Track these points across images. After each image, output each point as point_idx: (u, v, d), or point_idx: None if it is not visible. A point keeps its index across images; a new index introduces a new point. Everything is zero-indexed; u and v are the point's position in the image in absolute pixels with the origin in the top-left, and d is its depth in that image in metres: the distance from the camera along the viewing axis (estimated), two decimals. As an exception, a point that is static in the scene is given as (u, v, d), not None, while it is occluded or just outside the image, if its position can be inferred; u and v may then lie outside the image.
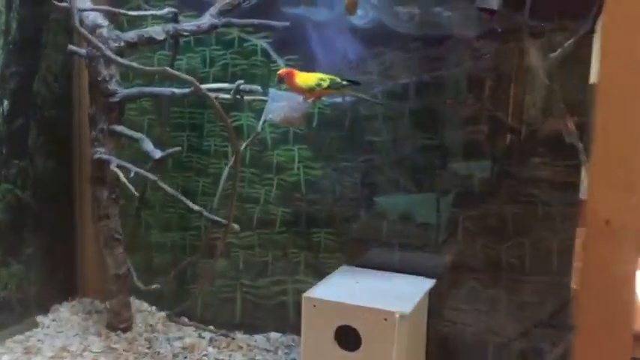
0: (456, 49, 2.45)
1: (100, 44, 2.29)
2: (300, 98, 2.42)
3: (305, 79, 2.39)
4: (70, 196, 3.04)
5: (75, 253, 3.11)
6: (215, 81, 2.67)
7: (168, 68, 2.13)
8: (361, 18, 2.67)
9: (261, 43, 2.70)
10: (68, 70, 2.98)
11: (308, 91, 2.38)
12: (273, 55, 2.69)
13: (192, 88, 2.24)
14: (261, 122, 2.55)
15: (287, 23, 2.62)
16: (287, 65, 2.59)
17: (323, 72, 2.44)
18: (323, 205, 2.66)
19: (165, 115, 2.83)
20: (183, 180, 2.87)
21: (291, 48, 2.63)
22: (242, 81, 2.46)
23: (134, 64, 2.28)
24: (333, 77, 2.40)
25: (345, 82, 2.40)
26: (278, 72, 2.40)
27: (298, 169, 2.68)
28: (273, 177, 2.75)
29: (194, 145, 2.84)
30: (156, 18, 2.72)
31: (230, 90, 2.47)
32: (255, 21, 2.64)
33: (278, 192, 2.73)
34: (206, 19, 2.52)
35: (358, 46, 2.57)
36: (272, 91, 2.45)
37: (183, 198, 2.44)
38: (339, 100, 2.58)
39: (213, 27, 2.63)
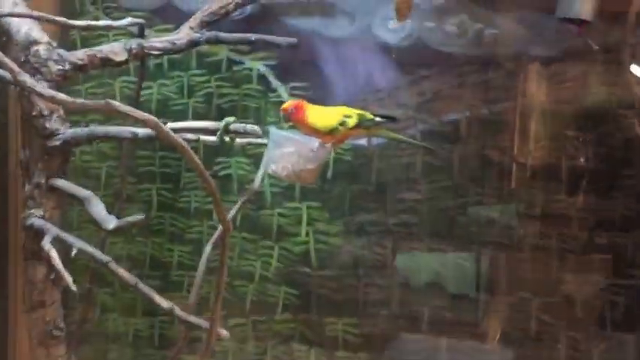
0: (527, 73, 2.00)
1: (14, 66, 1.56)
2: (315, 143, 1.75)
3: (322, 115, 1.72)
4: (3, 275, 2.37)
5: (5, 352, 2.39)
6: (195, 116, 2.18)
7: (112, 102, 1.37)
8: (394, 32, 2.05)
9: (257, 66, 2.18)
10: (2, 102, 2.29)
11: (327, 133, 1.68)
12: (274, 83, 2.17)
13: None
14: (258, 177, 1.84)
15: (293, 40, 1.97)
16: (292, 96, 2.09)
17: (344, 104, 1.84)
18: (341, 284, 2.15)
19: (129, 162, 2.12)
20: (152, 248, 2.31)
21: (298, 73, 2.16)
22: (232, 118, 1.75)
23: (61, 96, 1.54)
24: (361, 112, 1.71)
25: (378, 119, 1.72)
26: (283, 106, 1.77)
27: (307, 234, 2.17)
28: (272, 244, 2.21)
29: (167, 201, 2.30)
30: (119, 34, 2.25)
31: (216, 130, 1.75)
32: (252, 36, 1.99)
33: (279, 265, 2.21)
34: (183, 34, 1.98)
35: (390, 70, 2.11)
36: (274, 131, 1.76)
37: (146, 290, 1.69)
38: (362, 141, 2.11)
39: (194, 44, 1.98)
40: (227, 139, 1.79)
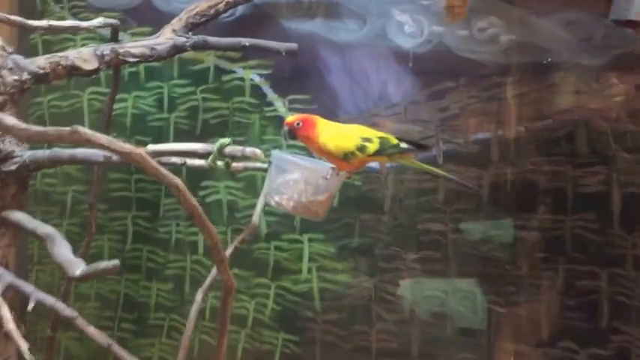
0: (569, 84, 1.71)
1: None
2: (327, 169, 1.48)
3: (336, 136, 1.47)
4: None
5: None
6: (178, 134, 1.95)
7: (81, 129, 1.04)
8: (412, 37, 1.75)
9: (250, 75, 1.92)
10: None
11: (342, 159, 1.39)
12: (270, 95, 1.91)
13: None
14: (257, 210, 1.56)
15: (293, 46, 1.74)
16: (292, 111, 1.86)
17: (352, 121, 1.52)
18: (350, 330, 1.87)
19: (100, 186, 1.84)
20: (127, 286, 2.04)
21: (299, 84, 1.89)
22: (228, 140, 1.46)
23: (10, 121, 1.20)
24: (383, 135, 1.43)
25: (404, 145, 1.47)
26: (287, 119, 1.50)
27: (309, 271, 1.90)
28: (269, 283, 1.94)
29: (144, 231, 2.02)
30: (88, 37, 2.01)
31: (207, 154, 1.45)
32: (245, 41, 1.72)
33: (277, 308, 1.93)
34: (165, 38, 1.74)
35: (406, 80, 1.82)
36: (277, 155, 1.48)
37: (123, 354, 1.35)
38: (374, 164, 1.81)
39: (177, 49, 1.76)
40: (221, 163, 1.47)
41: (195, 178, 1.92)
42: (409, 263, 1.84)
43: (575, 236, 1.74)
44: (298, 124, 1.47)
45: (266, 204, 1.56)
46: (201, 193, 1.97)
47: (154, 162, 1.03)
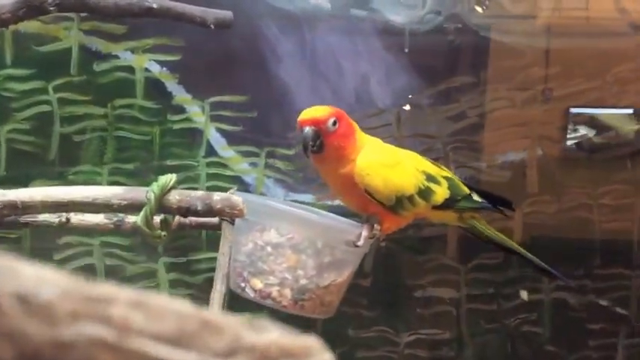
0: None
1: None
2: (354, 227, 0.86)
3: (386, 163, 0.87)
4: None
5: None
6: (14, 160, 1.33)
7: None
8: (409, 7, 1.20)
9: (146, 64, 1.32)
10: None
11: (390, 207, 0.85)
12: (179, 96, 1.30)
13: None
14: (215, 306, 0.83)
15: (227, 14, 1.05)
16: (215, 121, 1.29)
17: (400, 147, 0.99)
18: None
19: None
20: None
21: (228, 78, 1.30)
22: (172, 177, 0.79)
23: None
24: (447, 172, 0.93)
25: (478, 199, 0.93)
26: (307, 114, 0.86)
27: None
28: None
29: None
30: None
31: (107, 206, 0.77)
32: (151, 1, 1.02)
33: None
34: None
35: (400, 74, 1.25)
36: (251, 200, 0.79)
37: None
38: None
39: (30, 9, 1.04)
40: (161, 231, 0.78)
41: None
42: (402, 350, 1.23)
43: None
44: (335, 122, 0.81)
45: (233, 294, 0.86)
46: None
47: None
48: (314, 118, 0.82)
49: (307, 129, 0.80)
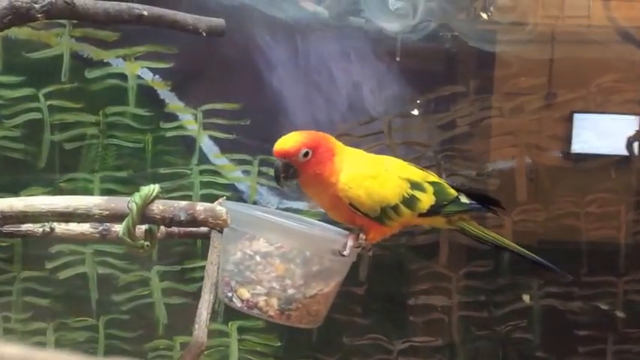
0: None
1: None
2: (340, 236, 0.84)
3: (368, 176, 0.85)
4: None
5: None
6: (4, 167, 1.35)
7: None
8: (401, 16, 1.22)
9: (138, 71, 1.34)
10: None
11: (375, 218, 0.83)
12: (171, 104, 1.32)
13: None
14: (202, 319, 0.82)
15: (220, 22, 1.01)
16: (208, 129, 1.29)
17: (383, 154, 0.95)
18: None
19: None
20: None
21: (221, 86, 1.30)
22: (156, 187, 0.79)
23: None
24: (433, 177, 0.89)
25: (466, 200, 0.88)
26: (282, 143, 0.83)
27: None
28: None
29: None
30: None
31: (88, 215, 0.75)
32: (141, 8, 1.03)
33: None
34: None
35: (392, 83, 1.26)
36: (232, 207, 0.81)
37: None
38: None
39: (17, 15, 0.99)
40: (144, 242, 0.77)
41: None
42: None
43: None
44: (306, 153, 0.80)
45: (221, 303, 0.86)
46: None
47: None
48: (283, 151, 0.82)
49: (277, 161, 0.81)
